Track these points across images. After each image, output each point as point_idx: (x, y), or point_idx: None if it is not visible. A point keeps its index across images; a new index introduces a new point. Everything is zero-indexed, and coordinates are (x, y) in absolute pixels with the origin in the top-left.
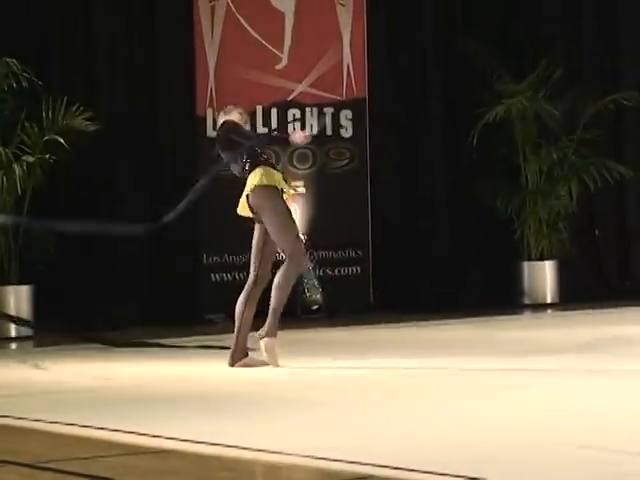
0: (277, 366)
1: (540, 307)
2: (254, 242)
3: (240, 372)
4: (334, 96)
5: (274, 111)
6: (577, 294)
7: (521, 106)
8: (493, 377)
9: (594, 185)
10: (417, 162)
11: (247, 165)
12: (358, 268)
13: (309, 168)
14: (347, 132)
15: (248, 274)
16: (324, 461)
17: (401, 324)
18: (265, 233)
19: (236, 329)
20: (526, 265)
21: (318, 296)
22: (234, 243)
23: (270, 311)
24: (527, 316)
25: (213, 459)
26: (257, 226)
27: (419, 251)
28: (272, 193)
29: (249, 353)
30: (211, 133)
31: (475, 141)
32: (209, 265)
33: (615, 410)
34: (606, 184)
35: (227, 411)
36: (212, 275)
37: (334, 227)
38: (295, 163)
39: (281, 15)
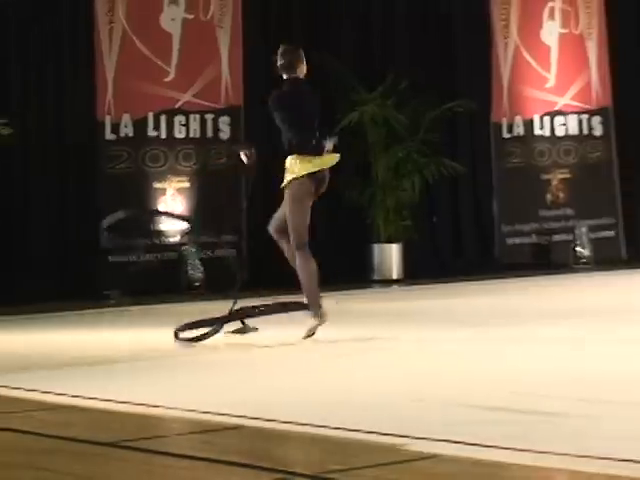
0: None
1: (388, 282)
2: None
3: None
4: (214, 104)
5: (163, 117)
6: (418, 271)
7: (372, 112)
8: (348, 345)
9: (433, 179)
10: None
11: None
12: (234, 251)
13: (193, 165)
14: (225, 135)
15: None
16: (204, 414)
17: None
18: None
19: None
20: (376, 247)
21: (200, 274)
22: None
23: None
24: (377, 290)
25: (105, 413)
26: None
27: None
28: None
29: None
30: (109, 136)
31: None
32: (107, 248)
33: (447, 369)
34: (443, 178)
35: (133, 373)
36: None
37: (214, 216)
38: (181, 161)
39: (169, 35)
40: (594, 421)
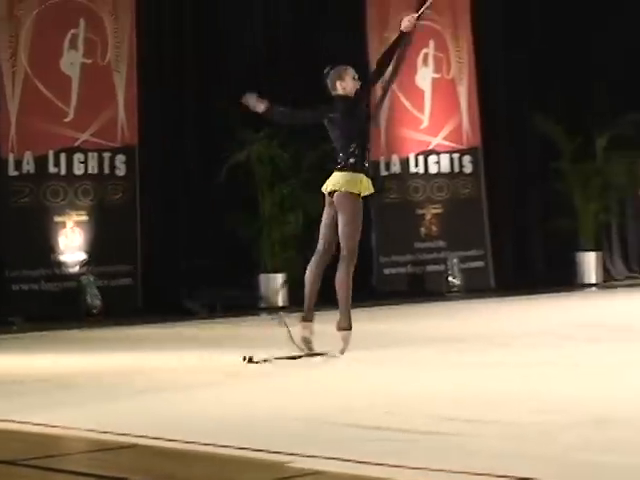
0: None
1: (274, 309)
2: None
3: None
4: (111, 143)
5: (63, 155)
6: (301, 300)
7: (259, 151)
8: (238, 365)
9: (316, 214)
10: (178, 196)
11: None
12: (131, 279)
13: (91, 200)
14: (121, 172)
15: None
16: (103, 434)
17: (166, 324)
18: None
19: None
20: (262, 277)
21: (97, 302)
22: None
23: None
24: (263, 317)
25: (5, 432)
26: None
27: (181, 266)
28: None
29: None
30: (12, 172)
31: (224, 180)
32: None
33: (329, 389)
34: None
35: (33, 394)
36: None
37: (110, 246)
38: (80, 196)
39: (69, 78)
40: (469, 439)
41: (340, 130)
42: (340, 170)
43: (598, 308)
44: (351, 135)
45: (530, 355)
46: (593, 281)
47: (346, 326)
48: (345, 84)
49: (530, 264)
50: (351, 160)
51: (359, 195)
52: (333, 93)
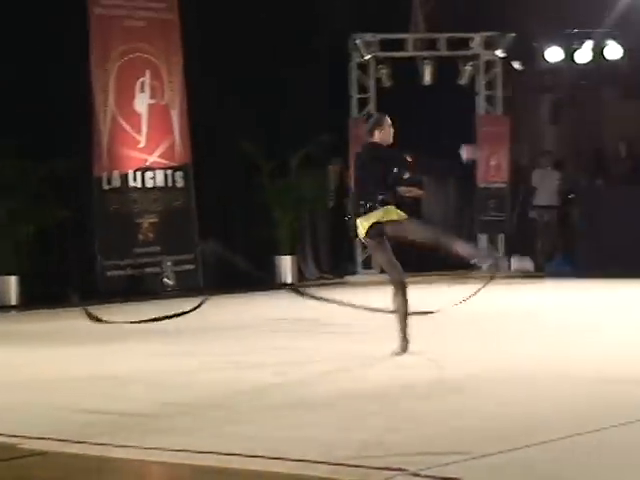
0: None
1: (7, 308)
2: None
3: None
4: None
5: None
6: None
7: None
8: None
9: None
10: None
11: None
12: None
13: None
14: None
15: None
16: None
17: None
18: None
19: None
20: None
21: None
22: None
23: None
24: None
25: None
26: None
27: None
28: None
29: None
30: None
31: None
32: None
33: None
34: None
35: None
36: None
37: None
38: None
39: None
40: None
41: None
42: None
43: (292, 304)
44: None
45: (235, 345)
46: (289, 281)
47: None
48: (383, 134)
49: (235, 266)
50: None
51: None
52: (368, 138)
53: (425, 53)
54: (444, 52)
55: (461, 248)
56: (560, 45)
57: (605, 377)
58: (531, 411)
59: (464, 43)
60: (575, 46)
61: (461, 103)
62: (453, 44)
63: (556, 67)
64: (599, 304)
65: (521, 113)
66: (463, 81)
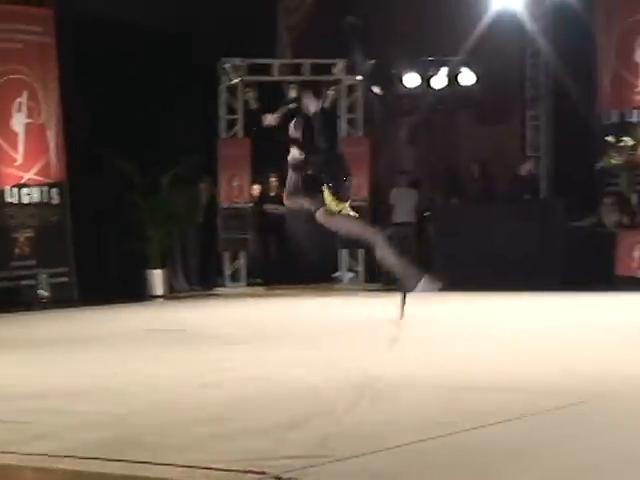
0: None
1: None
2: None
3: None
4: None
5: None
6: None
7: None
8: None
9: None
10: None
11: None
12: None
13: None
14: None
15: None
16: None
17: None
18: None
19: None
20: None
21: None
22: None
23: None
24: None
25: None
26: None
27: None
28: None
29: None
30: None
31: None
32: None
33: None
34: None
35: None
36: None
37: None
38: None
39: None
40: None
41: None
42: None
43: (163, 315)
44: None
45: (113, 353)
46: (160, 293)
47: None
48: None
49: (109, 280)
50: None
51: None
52: None
53: (290, 77)
54: (308, 77)
55: (382, 254)
56: (417, 71)
57: (457, 385)
58: (388, 418)
59: (327, 68)
60: (431, 72)
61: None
62: (317, 69)
63: (413, 92)
64: (455, 316)
65: (380, 135)
66: (326, 104)
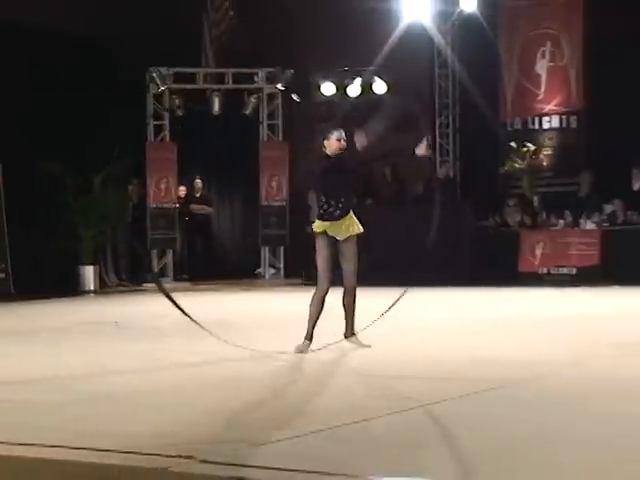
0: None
1: None
2: (327, 256)
3: None
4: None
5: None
6: None
7: None
8: None
9: None
10: None
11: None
12: None
13: None
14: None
15: None
16: None
17: None
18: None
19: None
20: None
21: None
22: None
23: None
24: None
25: None
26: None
27: None
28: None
29: None
30: None
31: None
32: None
33: None
34: None
35: None
36: None
37: None
38: None
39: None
40: None
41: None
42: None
43: (95, 308)
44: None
45: (53, 345)
46: (92, 288)
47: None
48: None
49: (43, 275)
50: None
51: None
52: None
53: (214, 86)
54: (231, 85)
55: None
56: (334, 81)
57: (375, 373)
58: (315, 400)
59: (249, 77)
60: (347, 82)
61: (246, 131)
62: (239, 78)
63: (330, 100)
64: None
65: (299, 140)
66: (248, 111)
